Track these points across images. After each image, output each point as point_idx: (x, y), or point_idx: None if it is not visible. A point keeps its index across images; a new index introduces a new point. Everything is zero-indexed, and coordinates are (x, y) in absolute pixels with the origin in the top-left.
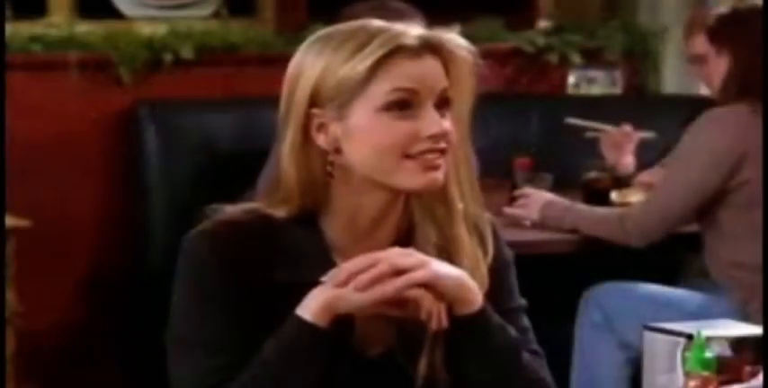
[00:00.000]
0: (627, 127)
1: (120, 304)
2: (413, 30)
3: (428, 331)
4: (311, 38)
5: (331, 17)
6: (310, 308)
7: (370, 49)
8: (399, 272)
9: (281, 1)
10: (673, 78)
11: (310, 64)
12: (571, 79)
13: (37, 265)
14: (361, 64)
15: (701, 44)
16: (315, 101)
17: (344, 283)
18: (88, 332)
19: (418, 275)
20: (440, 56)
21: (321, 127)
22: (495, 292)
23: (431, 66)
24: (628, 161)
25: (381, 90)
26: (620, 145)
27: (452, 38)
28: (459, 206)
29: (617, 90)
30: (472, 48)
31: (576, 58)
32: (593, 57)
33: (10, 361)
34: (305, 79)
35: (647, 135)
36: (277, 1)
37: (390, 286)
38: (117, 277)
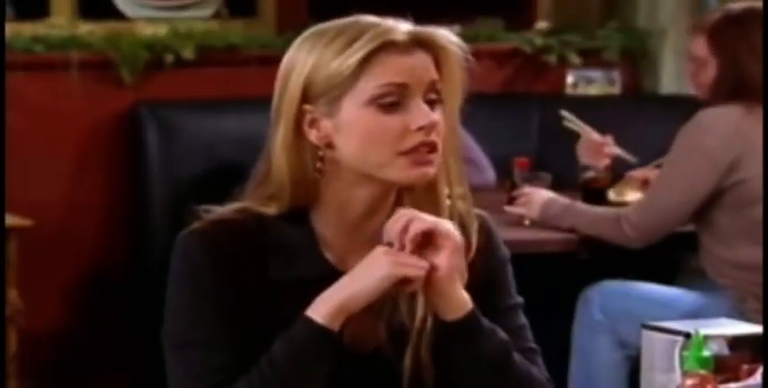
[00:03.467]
0: (608, 139)
1: (121, 303)
2: (403, 26)
3: (413, 327)
4: (304, 34)
5: (331, 17)
6: (322, 311)
7: (359, 45)
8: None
9: (282, 2)
10: (670, 78)
11: (302, 60)
12: (570, 79)
13: (38, 264)
14: (351, 59)
15: (700, 47)
16: (306, 96)
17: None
18: (89, 331)
19: (450, 230)
20: (430, 51)
21: (313, 122)
22: (492, 289)
23: (420, 60)
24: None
25: (370, 85)
26: (597, 152)
27: (443, 33)
28: (446, 201)
29: (615, 90)
30: (462, 43)
31: (575, 59)
32: (591, 58)
33: (12, 359)
34: (296, 75)
35: (624, 155)
36: (277, 2)
37: (415, 227)
38: (118, 276)
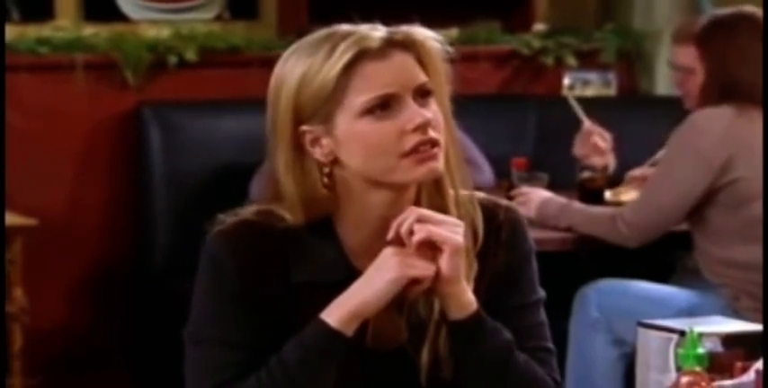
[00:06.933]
0: (602, 131)
1: (124, 301)
2: (377, 32)
3: (431, 320)
4: (285, 53)
5: (331, 19)
6: (335, 315)
7: (334, 59)
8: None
9: (283, 4)
10: (666, 80)
11: (287, 81)
12: (566, 81)
13: (43, 263)
14: (330, 74)
15: (687, 55)
16: (299, 118)
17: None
18: (93, 329)
19: (447, 235)
20: (410, 50)
21: (315, 141)
22: (514, 284)
23: (401, 63)
24: (602, 161)
25: (358, 99)
26: (593, 145)
27: (419, 30)
28: (450, 191)
29: (611, 91)
30: (438, 36)
31: (572, 60)
32: (587, 60)
33: (17, 357)
34: (284, 98)
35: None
36: (279, 4)
37: (421, 232)
38: (121, 275)
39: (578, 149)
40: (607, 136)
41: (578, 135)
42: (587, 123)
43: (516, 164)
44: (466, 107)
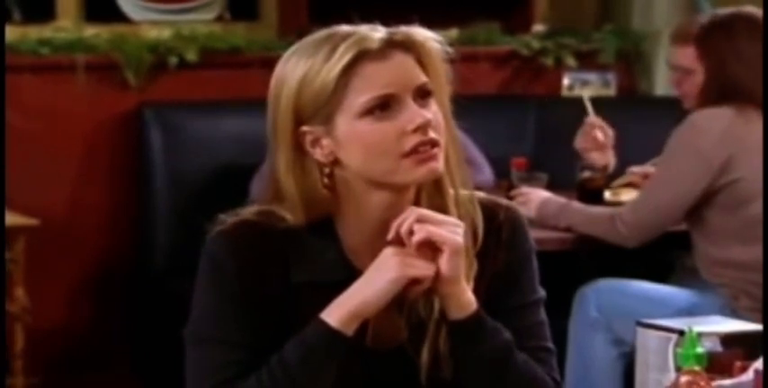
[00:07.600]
0: (606, 128)
1: (124, 301)
2: (377, 33)
3: (431, 320)
4: (285, 54)
5: (331, 20)
6: (336, 315)
7: (335, 60)
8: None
9: (283, 5)
10: (665, 80)
11: (288, 81)
12: (566, 81)
13: (45, 263)
14: (331, 75)
15: (686, 55)
16: (300, 119)
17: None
18: (95, 329)
19: (447, 235)
20: (410, 50)
21: (315, 142)
22: (514, 283)
23: (401, 64)
24: (602, 158)
25: (358, 100)
26: (597, 140)
27: (419, 31)
28: (450, 191)
29: (610, 92)
30: (438, 36)
31: (571, 61)
32: (587, 60)
33: (18, 357)
34: (285, 99)
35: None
36: (279, 4)
37: (421, 232)
38: (122, 274)
39: (579, 142)
40: (609, 132)
41: (581, 129)
42: (592, 117)
43: (516, 164)
44: (466, 107)
